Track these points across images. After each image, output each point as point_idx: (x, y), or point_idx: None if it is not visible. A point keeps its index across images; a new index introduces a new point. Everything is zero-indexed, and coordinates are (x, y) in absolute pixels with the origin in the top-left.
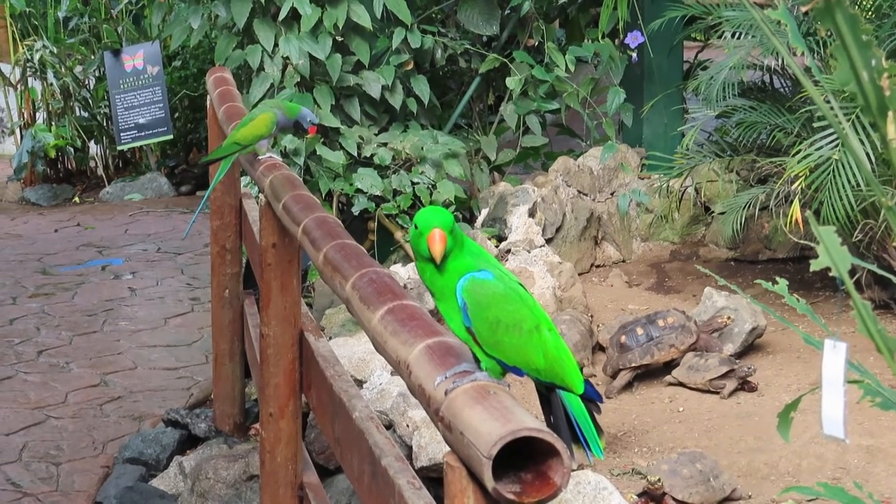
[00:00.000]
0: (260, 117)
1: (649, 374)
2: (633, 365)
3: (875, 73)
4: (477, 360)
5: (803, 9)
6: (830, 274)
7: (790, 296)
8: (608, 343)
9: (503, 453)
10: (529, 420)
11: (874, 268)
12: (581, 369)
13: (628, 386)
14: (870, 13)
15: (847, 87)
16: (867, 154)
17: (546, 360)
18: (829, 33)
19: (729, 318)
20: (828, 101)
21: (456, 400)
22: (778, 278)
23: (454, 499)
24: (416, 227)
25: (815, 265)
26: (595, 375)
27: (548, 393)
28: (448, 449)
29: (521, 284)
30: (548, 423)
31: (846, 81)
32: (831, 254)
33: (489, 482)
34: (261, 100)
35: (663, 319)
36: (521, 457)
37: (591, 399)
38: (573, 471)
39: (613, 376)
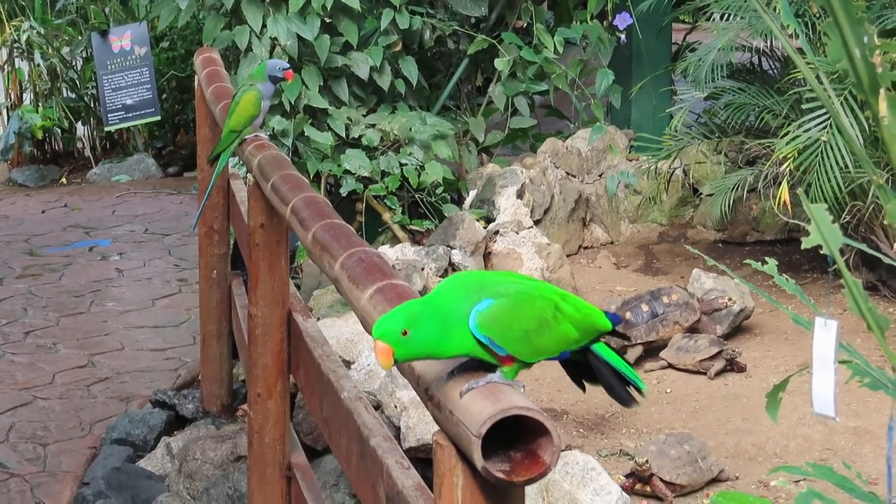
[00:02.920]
0: (244, 98)
1: (633, 348)
2: (640, 341)
3: (867, 49)
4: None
5: None
6: (821, 251)
7: (780, 276)
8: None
9: (493, 432)
10: (519, 399)
11: (864, 247)
12: None
13: (651, 356)
14: None
15: (839, 65)
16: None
17: (578, 328)
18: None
19: (730, 299)
20: (819, 81)
21: (447, 379)
22: (767, 259)
23: (443, 478)
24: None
25: (806, 243)
26: None
27: (582, 357)
28: (437, 428)
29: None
30: (591, 383)
31: (838, 58)
32: (822, 232)
33: (479, 461)
34: (244, 83)
35: (668, 296)
36: (511, 436)
37: (615, 324)
38: (562, 450)
39: (630, 348)
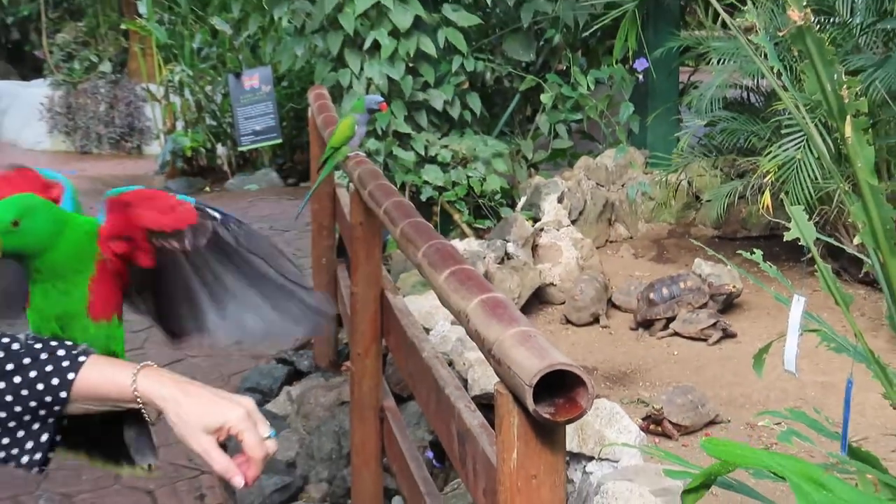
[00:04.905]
0: (343, 122)
1: (650, 324)
2: (659, 317)
3: (837, 85)
4: None
5: (781, 33)
6: (799, 244)
7: (764, 263)
8: (638, 297)
9: (541, 383)
10: (562, 357)
11: (831, 241)
12: (598, 319)
13: (664, 327)
14: (827, 44)
15: (814, 97)
16: (826, 162)
17: None
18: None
19: (734, 286)
20: (797, 109)
21: (505, 342)
22: (754, 250)
23: (503, 418)
24: None
25: (788, 236)
26: (608, 326)
27: None
28: (497, 380)
29: None
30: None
31: (813, 91)
32: (801, 227)
33: (530, 405)
34: (347, 112)
35: (684, 282)
36: (555, 386)
37: None
38: (595, 398)
39: (643, 323)
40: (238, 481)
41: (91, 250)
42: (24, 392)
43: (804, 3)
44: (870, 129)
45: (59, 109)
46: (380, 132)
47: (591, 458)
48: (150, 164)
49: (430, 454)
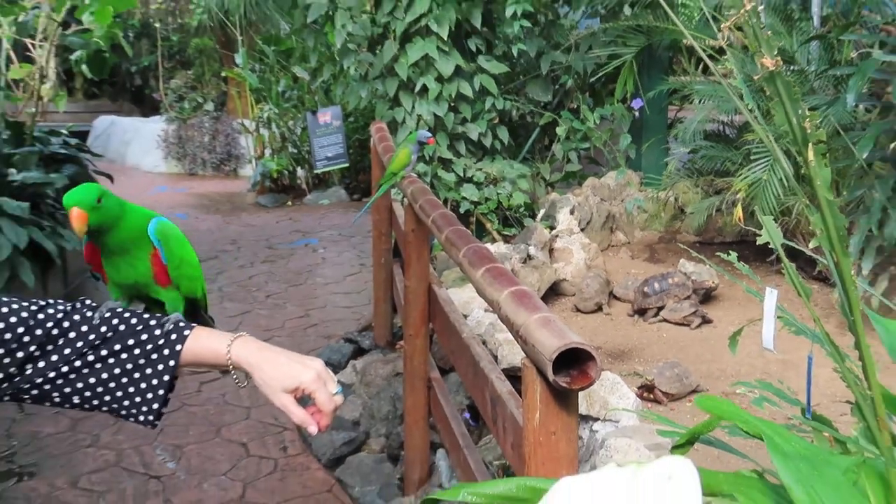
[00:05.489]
0: (402, 152)
1: (643, 312)
2: (651, 306)
3: (801, 118)
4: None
5: (755, 77)
6: (769, 246)
7: (738, 263)
8: (635, 291)
9: (559, 358)
10: (576, 337)
11: (792, 244)
12: (601, 308)
13: (655, 315)
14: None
15: (782, 128)
16: (781, 179)
17: (203, 289)
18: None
19: (712, 282)
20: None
21: (530, 325)
22: (730, 252)
23: (528, 386)
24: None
25: (760, 240)
26: (609, 313)
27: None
28: (523, 356)
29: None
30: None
31: (782, 124)
32: (770, 233)
33: (550, 376)
34: (402, 143)
35: (671, 278)
36: (570, 361)
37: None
38: (602, 370)
39: (638, 311)
40: (313, 429)
41: (145, 232)
42: (142, 361)
43: (775, 53)
44: (826, 155)
45: (172, 140)
46: (427, 158)
47: (596, 419)
48: (244, 184)
49: (467, 415)
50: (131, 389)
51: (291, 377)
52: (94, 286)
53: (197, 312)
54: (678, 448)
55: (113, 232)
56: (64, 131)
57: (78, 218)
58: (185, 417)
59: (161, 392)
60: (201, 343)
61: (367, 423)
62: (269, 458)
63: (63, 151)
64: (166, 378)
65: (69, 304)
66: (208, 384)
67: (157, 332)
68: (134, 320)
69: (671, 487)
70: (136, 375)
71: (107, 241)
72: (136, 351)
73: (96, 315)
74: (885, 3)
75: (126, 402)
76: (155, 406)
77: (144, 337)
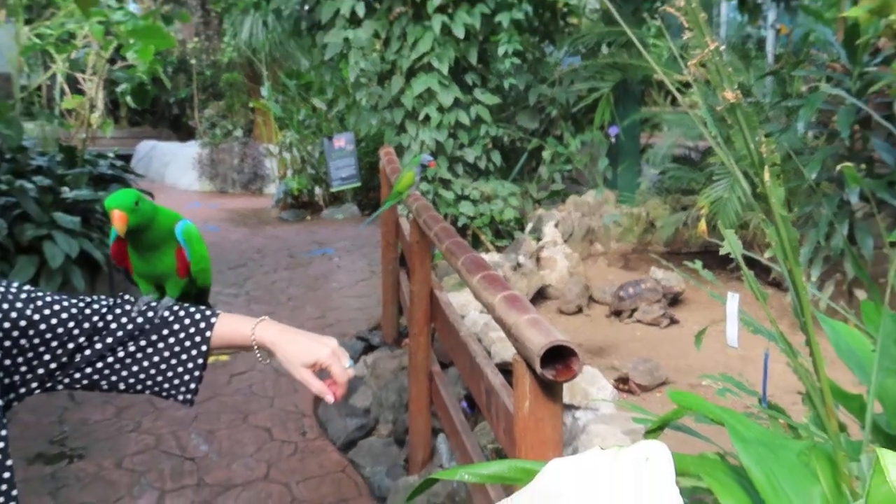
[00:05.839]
0: (407, 175)
1: (619, 313)
2: (626, 309)
3: (758, 144)
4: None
5: (718, 108)
6: (730, 256)
7: (702, 270)
8: (611, 295)
9: (546, 354)
10: (561, 336)
11: (749, 254)
12: (582, 309)
13: (629, 315)
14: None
15: (741, 153)
16: (740, 197)
17: (210, 280)
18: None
19: (679, 287)
20: (729, 161)
21: (520, 325)
22: (695, 260)
23: (518, 379)
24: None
25: (722, 251)
26: (589, 314)
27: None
28: (514, 352)
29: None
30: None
31: (741, 149)
32: (731, 244)
33: (538, 369)
34: (407, 165)
35: (645, 284)
36: (555, 356)
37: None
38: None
39: (614, 313)
40: (329, 398)
41: (173, 232)
42: (177, 349)
43: (735, 87)
44: (779, 176)
45: (205, 162)
46: (429, 178)
47: (578, 408)
48: (269, 201)
49: (464, 404)
50: (170, 373)
51: (310, 353)
52: (136, 289)
53: (205, 299)
54: (650, 433)
55: (147, 231)
56: (110, 154)
57: (120, 219)
58: (217, 406)
59: (196, 373)
60: (228, 327)
61: (377, 411)
62: (290, 442)
63: (110, 172)
64: (200, 360)
65: (111, 300)
66: (237, 377)
67: (188, 321)
68: (166, 313)
69: (648, 468)
70: (174, 361)
71: (141, 238)
72: (172, 340)
73: (134, 309)
74: (831, 44)
75: (166, 385)
76: (192, 385)
77: (177, 327)
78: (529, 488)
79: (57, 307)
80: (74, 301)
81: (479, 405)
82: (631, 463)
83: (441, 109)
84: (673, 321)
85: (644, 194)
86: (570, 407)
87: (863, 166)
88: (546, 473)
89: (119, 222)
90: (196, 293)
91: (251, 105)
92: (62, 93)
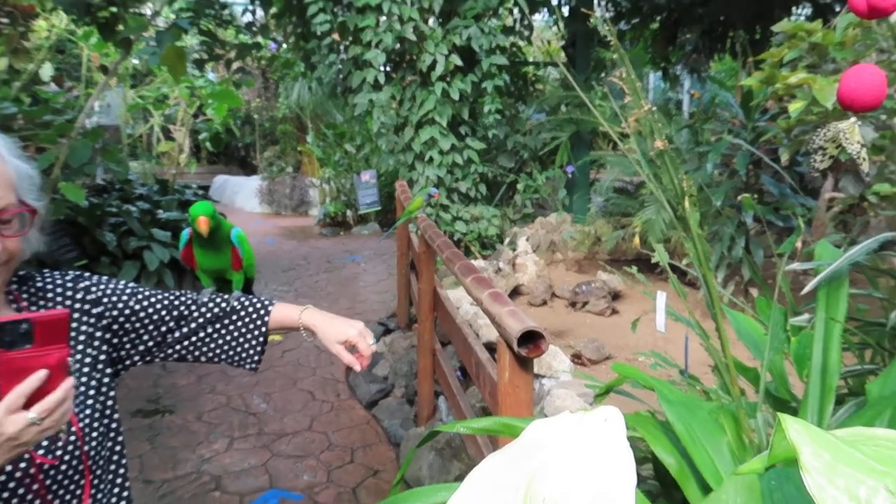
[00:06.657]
0: (417, 200)
1: (574, 305)
2: (580, 302)
3: (680, 179)
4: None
5: (651, 152)
6: (658, 263)
7: (637, 273)
8: (568, 292)
9: (521, 336)
10: (532, 323)
11: (672, 262)
12: (546, 302)
13: (582, 307)
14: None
15: (667, 186)
16: (664, 218)
17: (255, 273)
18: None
19: (621, 287)
20: (658, 191)
21: (502, 315)
22: (633, 266)
23: (500, 355)
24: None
25: (654, 259)
26: (552, 306)
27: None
28: (498, 335)
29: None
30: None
31: (668, 182)
32: (660, 254)
33: (516, 348)
34: (417, 193)
35: (593, 283)
36: (528, 338)
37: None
38: (548, 345)
39: (572, 305)
40: (357, 368)
41: (229, 236)
42: (244, 329)
43: (664, 137)
44: (695, 204)
45: (264, 191)
46: (432, 205)
47: (544, 377)
48: (312, 220)
49: (459, 374)
50: (239, 349)
51: (342, 333)
52: (201, 285)
53: (251, 287)
54: (599, 396)
55: (216, 233)
56: (194, 185)
57: (205, 222)
58: (273, 374)
59: (259, 348)
60: (281, 313)
61: (393, 378)
62: (328, 402)
63: (193, 198)
64: (261, 339)
65: (194, 294)
66: (288, 352)
67: (251, 308)
68: (235, 303)
69: (607, 426)
70: (242, 339)
71: (212, 238)
72: (240, 323)
73: (211, 300)
74: (732, 105)
75: (237, 357)
76: (256, 357)
77: (244, 313)
78: (517, 442)
79: (153, 300)
80: (166, 294)
81: (471, 374)
82: (594, 423)
83: (441, 152)
84: (615, 312)
85: (593, 216)
86: (538, 376)
87: (755, 196)
88: (530, 430)
89: (204, 225)
90: (246, 282)
91: (299, 149)
92: (158, 139)
